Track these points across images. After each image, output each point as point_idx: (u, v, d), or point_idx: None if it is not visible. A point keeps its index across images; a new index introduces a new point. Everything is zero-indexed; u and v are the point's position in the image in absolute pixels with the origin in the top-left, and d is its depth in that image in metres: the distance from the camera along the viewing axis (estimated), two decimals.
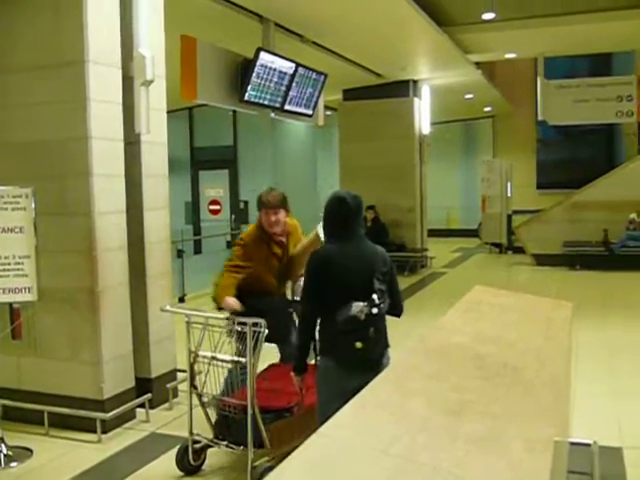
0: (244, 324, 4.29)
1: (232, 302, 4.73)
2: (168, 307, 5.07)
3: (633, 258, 13.97)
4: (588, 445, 4.73)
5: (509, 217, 17.83)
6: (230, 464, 4.81)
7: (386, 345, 3.73)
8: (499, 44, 12.77)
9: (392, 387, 2.23)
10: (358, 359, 3.54)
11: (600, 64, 18.44)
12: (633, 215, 14.32)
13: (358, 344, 3.50)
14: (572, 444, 4.57)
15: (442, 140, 21.61)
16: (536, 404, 2.26)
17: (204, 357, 4.52)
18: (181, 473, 4.64)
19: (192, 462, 4.64)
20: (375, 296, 3.56)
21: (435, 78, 14.29)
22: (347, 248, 3.72)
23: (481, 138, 22.53)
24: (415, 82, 14.36)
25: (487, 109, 20.44)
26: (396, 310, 3.84)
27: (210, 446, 4.66)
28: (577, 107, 14.11)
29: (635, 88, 14.00)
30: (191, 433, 4.61)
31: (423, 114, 14.63)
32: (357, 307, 3.51)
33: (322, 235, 4.93)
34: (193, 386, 4.65)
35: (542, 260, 14.68)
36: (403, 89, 14.18)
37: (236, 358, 4.42)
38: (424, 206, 15.00)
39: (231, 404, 4.50)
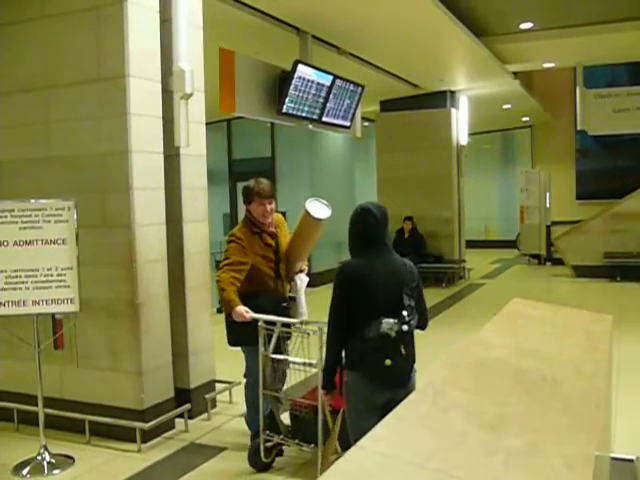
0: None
1: (243, 311, 4.75)
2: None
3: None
4: (631, 461, 4.69)
5: (548, 228, 17.65)
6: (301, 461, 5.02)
7: (414, 360, 3.70)
8: (537, 54, 12.70)
9: (430, 401, 2.23)
10: (388, 376, 3.53)
11: None
12: None
13: (388, 361, 3.49)
14: (613, 459, 4.53)
15: (480, 150, 21.53)
16: (576, 418, 2.24)
17: (276, 360, 4.72)
18: None
19: (264, 459, 4.81)
20: (405, 313, 3.54)
21: (472, 88, 14.27)
22: (376, 262, 3.64)
23: (519, 148, 22.40)
24: (452, 92, 14.36)
25: (525, 119, 20.31)
26: (422, 323, 3.77)
27: (281, 444, 4.87)
28: (617, 116, 13.99)
29: None
30: (263, 432, 4.78)
31: (460, 125, 14.61)
32: (387, 324, 3.49)
33: (313, 212, 5.13)
34: (270, 389, 4.78)
35: (582, 272, 14.50)
36: (440, 100, 14.19)
37: (307, 360, 4.50)
38: (462, 217, 14.95)
39: (302, 404, 4.73)
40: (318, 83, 8.56)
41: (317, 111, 8.75)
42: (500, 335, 3.18)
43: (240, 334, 4.91)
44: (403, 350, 3.53)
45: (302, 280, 5.29)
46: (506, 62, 12.61)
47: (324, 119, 8.97)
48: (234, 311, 4.76)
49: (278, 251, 5.17)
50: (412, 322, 3.57)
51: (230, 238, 5.07)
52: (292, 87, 8.04)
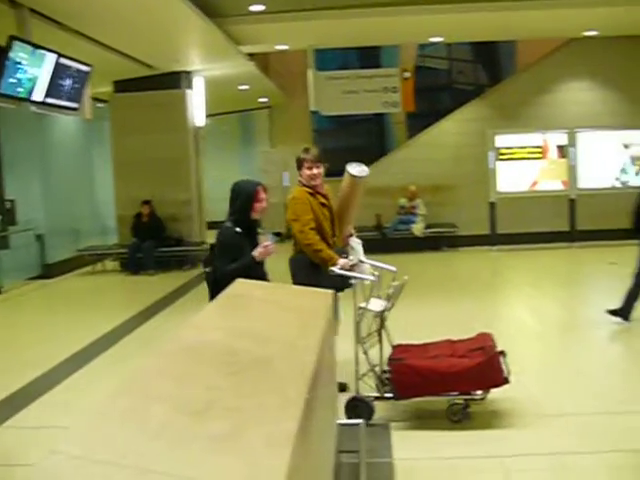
0: None
1: (345, 261, 5.39)
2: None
3: (404, 241, 14.78)
4: (357, 425, 4.96)
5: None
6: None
7: None
8: (269, 36, 12.92)
9: (134, 393, 2.15)
10: None
11: (370, 57, 19.22)
12: (403, 200, 15.13)
13: None
14: (341, 425, 4.76)
15: (220, 132, 21.58)
16: (283, 397, 2.27)
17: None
18: None
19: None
20: None
21: (208, 69, 14.20)
22: None
23: (258, 129, 22.69)
24: (188, 73, 14.20)
25: (263, 100, 20.62)
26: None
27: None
28: (347, 98, 14.68)
29: (399, 80, 14.77)
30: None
31: (196, 106, 14.49)
32: None
33: (354, 171, 5.83)
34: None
35: None
36: (175, 81, 13.99)
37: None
38: (202, 199, 14.90)
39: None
40: (39, 62, 8.06)
41: (39, 92, 8.24)
42: (218, 317, 3.17)
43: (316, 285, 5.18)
44: None
45: (358, 243, 5.93)
46: (240, 43, 12.68)
47: (48, 100, 8.47)
48: (341, 262, 5.34)
49: (332, 211, 5.79)
50: None
51: (293, 201, 5.63)
52: (9, 66, 7.48)
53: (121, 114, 14.18)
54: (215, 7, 10.84)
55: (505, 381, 5.02)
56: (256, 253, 4.94)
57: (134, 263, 13.50)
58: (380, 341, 5.42)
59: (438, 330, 6.27)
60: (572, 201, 15.24)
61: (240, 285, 3.87)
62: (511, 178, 15.47)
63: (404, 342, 5.65)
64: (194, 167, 14.43)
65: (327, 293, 3.99)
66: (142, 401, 2.09)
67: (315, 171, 5.68)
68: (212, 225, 15.82)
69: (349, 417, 5.12)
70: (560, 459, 4.45)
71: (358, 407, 5.13)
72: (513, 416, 5.16)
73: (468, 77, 21.20)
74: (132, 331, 8.60)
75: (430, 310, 9.01)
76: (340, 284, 5.28)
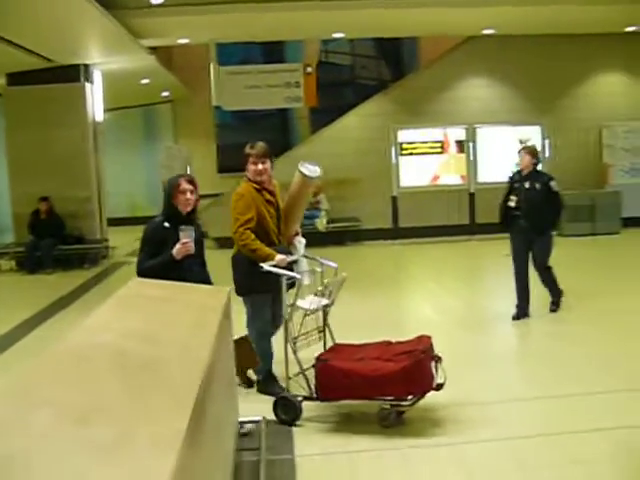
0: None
1: (281, 258, 5.33)
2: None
3: (308, 236, 14.53)
4: (257, 422, 4.95)
5: None
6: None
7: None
8: (171, 30, 12.78)
9: (16, 400, 2.08)
10: None
11: (274, 52, 19.19)
12: None
13: None
14: (242, 422, 4.74)
15: (121, 126, 21.16)
16: (172, 397, 2.24)
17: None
18: None
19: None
20: None
21: (108, 63, 13.91)
22: None
23: (161, 124, 22.37)
24: (87, 66, 13.85)
25: (165, 94, 20.35)
26: None
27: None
28: (249, 93, 14.63)
29: (302, 75, 14.81)
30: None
31: (96, 100, 14.16)
32: None
33: (306, 171, 5.65)
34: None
35: (224, 243, 14.92)
36: (74, 74, 13.63)
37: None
38: (102, 195, 14.54)
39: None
40: None
41: None
42: (111, 318, 3.10)
43: (251, 283, 5.47)
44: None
45: (301, 242, 5.89)
46: (140, 37, 12.48)
47: None
48: (278, 259, 5.28)
49: (278, 208, 5.69)
50: None
51: (235, 197, 5.54)
52: None
53: (15, 108, 13.71)
54: None
55: (437, 387, 4.90)
56: (174, 251, 4.74)
57: (32, 262, 13.08)
58: (322, 339, 5.44)
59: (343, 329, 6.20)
60: (472, 195, 15.63)
61: (135, 285, 3.81)
62: (413, 172, 15.72)
63: (343, 342, 5.52)
64: (94, 163, 14.07)
65: (223, 290, 3.96)
66: (25, 407, 2.02)
67: (260, 167, 5.53)
68: (114, 222, 15.54)
69: (277, 416, 5.07)
70: (459, 448, 4.55)
71: (286, 406, 5.08)
72: (419, 408, 5.12)
73: (371, 72, 21.46)
74: (28, 333, 8.30)
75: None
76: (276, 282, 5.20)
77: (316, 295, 5.26)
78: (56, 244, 13.15)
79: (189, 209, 4.95)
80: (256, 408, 5.14)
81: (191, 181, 4.98)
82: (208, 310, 3.45)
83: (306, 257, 5.83)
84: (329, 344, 5.48)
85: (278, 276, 5.15)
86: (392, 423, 4.89)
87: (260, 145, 5.62)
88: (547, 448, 4.49)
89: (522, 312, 7.84)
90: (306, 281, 5.48)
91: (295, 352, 5.13)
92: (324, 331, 5.49)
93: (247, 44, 17.70)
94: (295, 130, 21.33)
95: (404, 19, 12.69)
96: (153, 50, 13.90)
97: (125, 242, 16.05)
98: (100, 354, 2.56)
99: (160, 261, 4.77)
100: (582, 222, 14.63)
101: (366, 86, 20.31)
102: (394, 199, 15.73)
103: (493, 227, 7.92)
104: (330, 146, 15.64)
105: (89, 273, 12.66)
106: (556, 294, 8.04)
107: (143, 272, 4.76)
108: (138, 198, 22.03)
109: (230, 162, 20.56)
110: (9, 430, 1.87)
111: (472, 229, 15.40)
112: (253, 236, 5.40)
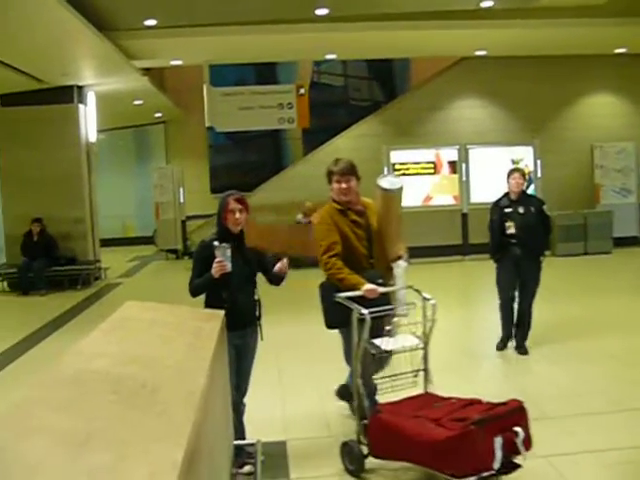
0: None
1: (371, 287, 4.72)
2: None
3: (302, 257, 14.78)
4: (252, 444, 4.91)
5: (183, 223, 17.99)
6: None
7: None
8: (163, 51, 12.82)
9: (11, 427, 2.05)
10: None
11: (266, 73, 19.31)
12: (300, 216, 15.16)
13: None
14: (237, 446, 4.71)
15: (114, 147, 21.22)
16: (169, 423, 2.22)
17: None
18: None
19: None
20: None
21: (101, 84, 13.97)
22: None
23: (154, 144, 22.43)
24: (80, 88, 13.89)
25: (158, 115, 20.42)
26: None
27: None
28: (242, 114, 14.65)
29: (295, 96, 14.85)
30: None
31: (89, 121, 14.18)
32: None
33: (386, 184, 5.21)
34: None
35: None
36: (67, 95, 13.68)
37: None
38: (95, 216, 14.53)
39: None
40: None
41: None
42: (105, 342, 3.06)
43: (342, 314, 4.72)
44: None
45: (400, 267, 5.16)
46: (133, 58, 12.52)
47: None
48: (366, 290, 4.70)
49: (369, 229, 5.14)
50: None
51: (315, 220, 5.23)
52: None
53: (9, 129, 13.71)
54: (108, 21, 10.67)
55: (505, 469, 3.88)
56: (213, 270, 4.58)
57: (25, 283, 13.03)
58: (415, 384, 4.78)
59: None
60: (464, 215, 15.65)
61: (129, 307, 3.78)
62: (405, 193, 15.67)
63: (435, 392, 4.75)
64: (87, 183, 14.08)
65: (218, 314, 3.94)
66: (19, 434, 1.99)
67: (344, 185, 5.08)
68: (106, 242, 15.50)
69: (343, 461, 4.68)
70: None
71: (351, 453, 4.63)
72: None
73: (363, 94, 21.59)
74: (21, 355, 8.26)
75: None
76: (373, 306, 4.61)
77: (414, 334, 4.76)
78: (49, 265, 13.11)
79: (239, 228, 4.79)
80: (249, 430, 5.11)
81: (240, 200, 4.77)
82: (203, 333, 3.42)
83: (409, 287, 5.05)
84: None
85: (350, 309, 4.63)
86: None
87: (344, 162, 5.18)
88: None
89: (506, 343, 7.52)
90: (398, 315, 4.89)
91: (365, 396, 4.60)
92: (417, 375, 4.80)
93: (240, 65, 17.77)
94: (288, 151, 21.41)
95: (396, 40, 12.77)
96: (146, 71, 13.95)
97: (118, 263, 16.04)
98: (94, 379, 2.53)
99: (203, 281, 4.72)
100: (575, 242, 14.70)
101: (359, 107, 20.46)
102: None
103: (486, 247, 7.84)
104: (323, 167, 15.35)
105: (82, 294, 12.60)
106: (526, 334, 7.46)
107: (192, 291, 4.83)
108: (129, 219, 22.03)
109: (223, 182, 20.62)
110: (5, 457, 1.85)
111: (465, 249, 15.41)
112: (340, 264, 4.87)
